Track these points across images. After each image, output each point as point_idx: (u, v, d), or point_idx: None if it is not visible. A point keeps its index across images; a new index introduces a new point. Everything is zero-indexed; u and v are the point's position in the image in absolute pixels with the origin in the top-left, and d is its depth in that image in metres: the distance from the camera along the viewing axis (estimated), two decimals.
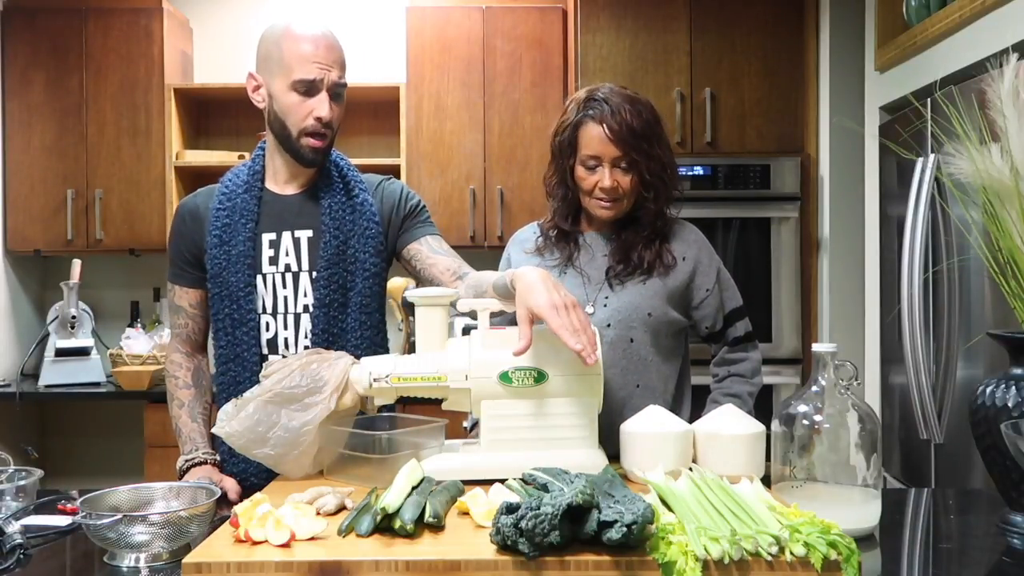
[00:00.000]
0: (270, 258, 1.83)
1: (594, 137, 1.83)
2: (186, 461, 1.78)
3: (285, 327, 1.83)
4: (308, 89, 1.76)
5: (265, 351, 1.83)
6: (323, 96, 1.76)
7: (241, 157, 3.89)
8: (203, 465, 1.77)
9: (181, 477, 1.77)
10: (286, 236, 1.83)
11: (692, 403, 1.98)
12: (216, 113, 4.17)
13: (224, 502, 1.60)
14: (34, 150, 3.88)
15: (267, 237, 1.83)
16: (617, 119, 1.81)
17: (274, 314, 1.83)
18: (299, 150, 1.80)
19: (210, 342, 1.93)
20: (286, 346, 1.83)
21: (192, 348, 1.92)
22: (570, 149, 1.88)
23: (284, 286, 1.82)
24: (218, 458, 1.80)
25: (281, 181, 1.87)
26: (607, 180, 1.83)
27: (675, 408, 1.89)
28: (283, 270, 1.83)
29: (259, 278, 1.82)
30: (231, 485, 1.72)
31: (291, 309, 1.83)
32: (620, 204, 1.87)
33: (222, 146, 4.11)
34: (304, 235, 1.83)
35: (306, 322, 1.82)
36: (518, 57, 3.86)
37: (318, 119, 1.76)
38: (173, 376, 1.89)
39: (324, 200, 1.84)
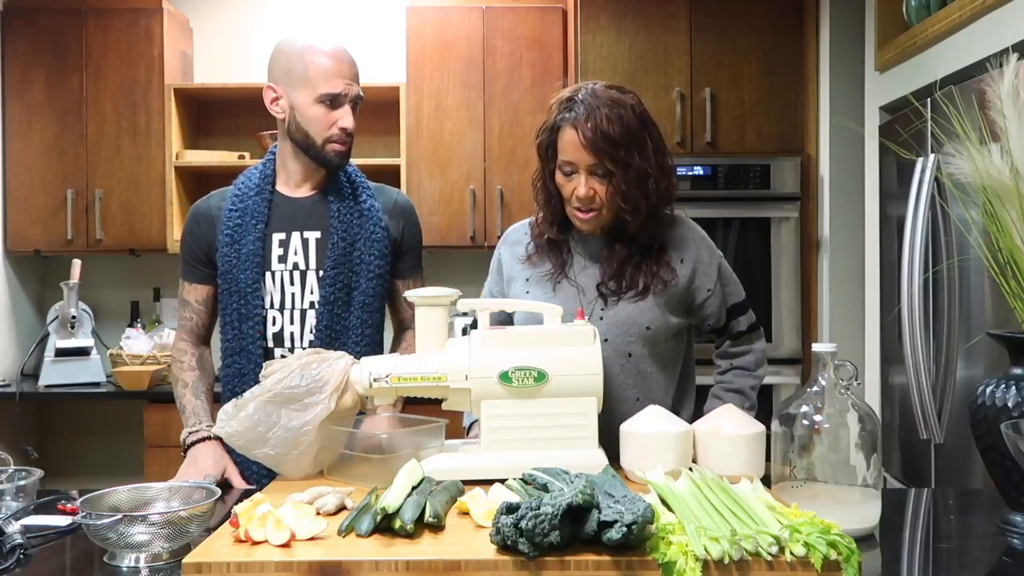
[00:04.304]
0: (279, 256, 1.91)
1: (569, 142, 1.74)
2: (190, 434, 1.84)
3: (291, 322, 1.91)
4: (333, 101, 1.86)
5: (271, 344, 1.91)
6: (346, 108, 1.88)
7: (241, 157, 3.90)
8: (209, 441, 1.81)
9: (185, 451, 1.82)
10: (295, 236, 1.92)
11: (695, 401, 1.95)
12: (216, 113, 4.17)
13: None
14: (34, 150, 3.88)
15: (277, 237, 1.92)
16: (591, 124, 1.70)
17: (281, 309, 1.91)
18: (325, 156, 1.90)
19: (216, 337, 2.00)
20: (291, 340, 1.91)
21: (196, 339, 1.99)
22: (549, 154, 1.80)
23: (292, 283, 1.91)
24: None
25: (292, 185, 1.95)
26: (582, 188, 1.74)
27: (677, 407, 1.87)
28: (291, 268, 1.91)
29: (268, 275, 1.90)
30: (233, 471, 1.80)
31: (298, 305, 1.91)
32: (598, 214, 1.78)
33: (222, 146, 4.10)
34: (312, 236, 1.91)
35: (311, 318, 1.90)
36: (518, 57, 3.86)
37: (343, 129, 1.88)
38: (178, 361, 1.96)
39: (333, 204, 1.93)
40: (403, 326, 2.05)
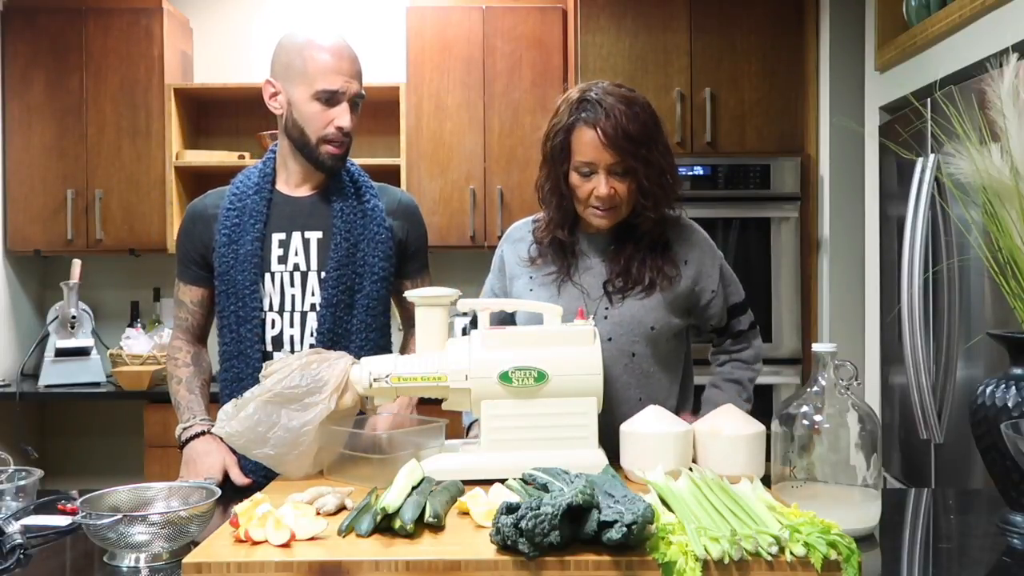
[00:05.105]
0: (279, 257, 1.87)
1: (587, 142, 1.72)
2: (184, 429, 1.83)
3: (291, 325, 1.86)
4: (330, 99, 1.81)
5: (270, 348, 1.87)
6: (344, 106, 1.82)
7: (241, 157, 3.90)
8: (204, 436, 1.80)
9: (182, 448, 1.81)
10: (296, 236, 1.88)
11: (695, 402, 1.96)
12: (216, 113, 4.17)
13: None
14: (34, 150, 3.87)
15: (277, 237, 1.87)
16: (612, 123, 1.69)
17: (280, 312, 1.87)
18: (318, 156, 1.85)
19: (213, 339, 1.97)
20: (291, 343, 1.86)
21: (193, 338, 1.98)
22: (563, 155, 1.76)
23: (292, 285, 1.87)
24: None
25: (293, 184, 1.91)
26: (603, 188, 1.73)
27: (677, 408, 1.87)
28: (291, 269, 1.87)
29: (267, 276, 1.86)
30: (232, 463, 1.77)
31: (298, 307, 1.87)
32: (617, 212, 1.78)
33: (222, 146, 4.11)
34: (314, 236, 1.87)
35: (312, 321, 1.86)
36: (518, 57, 3.86)
37: (339, 128, 1.82)
38: (173, 359, 1.95)
39: (336, 204, 1.88)
40: (412, 325, 1.98)
